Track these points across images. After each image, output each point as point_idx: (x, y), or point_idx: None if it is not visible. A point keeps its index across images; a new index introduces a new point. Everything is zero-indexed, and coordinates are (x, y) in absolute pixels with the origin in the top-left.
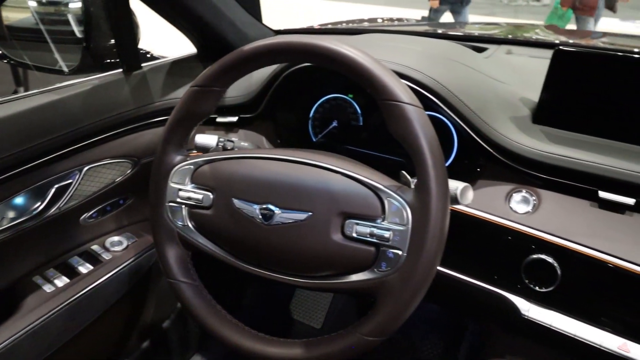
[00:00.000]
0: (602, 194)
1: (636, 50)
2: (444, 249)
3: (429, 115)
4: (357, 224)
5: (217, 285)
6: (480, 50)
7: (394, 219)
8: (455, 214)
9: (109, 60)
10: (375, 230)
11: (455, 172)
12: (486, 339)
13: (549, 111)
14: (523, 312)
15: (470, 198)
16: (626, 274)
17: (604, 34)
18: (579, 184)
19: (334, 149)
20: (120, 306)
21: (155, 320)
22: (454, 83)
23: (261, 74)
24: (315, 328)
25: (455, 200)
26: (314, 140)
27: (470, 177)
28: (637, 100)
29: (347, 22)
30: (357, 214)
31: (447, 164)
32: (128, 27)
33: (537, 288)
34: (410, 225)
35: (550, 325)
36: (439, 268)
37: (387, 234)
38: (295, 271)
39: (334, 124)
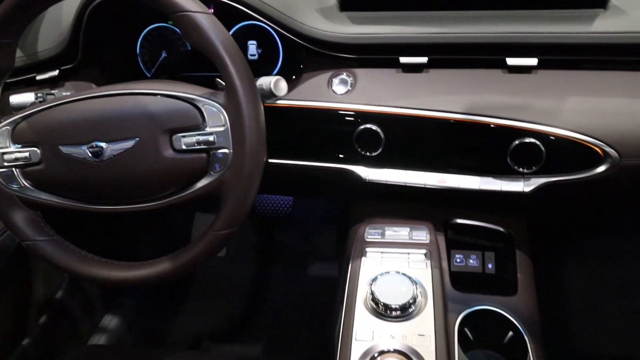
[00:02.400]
0: (403, 59)
1: None
2: (285, 143)
3: (249, 25)
4: (184, 136)
5: (107, 238)
6: None
7: (214, 122)
8: (285, 109)
9: None
10: (201, 138)
11: (286, 74)
12: (352, 211)
13: None
14: (364, 177)
15: (284, 89)
16: (430, 121)
17: None
18: (384, 55)
19: (171, 79)
20: None
21: (48, 294)
22: None
23: (71, 17)
24: (219, 257)
25: (271, 94)
26: (149, 76)
27: (297, 74)
28: None
29: None
30: (181, 127)
31: (277, 67)
32: None
33: (368, 154)
34: (228, 124)
35: (387, 182)
36: (284, 161)
37: (211, 138)
38: (144, 197)
39: (164, 54)
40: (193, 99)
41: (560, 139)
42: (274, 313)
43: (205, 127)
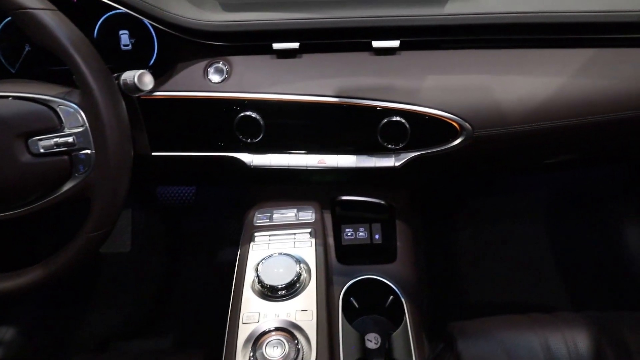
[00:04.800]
0: (275, 45)
1: None
2: (167, 135)
3: (118, 14)
4: (40, 139)
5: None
6: None
7: (72, 123)
8: (162, 100)
9: None
10: (59, 140)
11: (163, 63)
12: (243, 197)
13: None
14: (249, 163)
15: (149, 83)
16: (305, 105)
17: None
18: (257, 42)
19: (40, 75)
20: None
21: None
22: None
23: None
24: (125, 252)
25: (136, 89)
26: (13, 71)
27: (173, 63)
28: None
29: None
30: (36, 130)
31: (153, 57)
32: None
33: (250, 140)
34: (87, 125)
35: (270, 166)
36: (169, 153)
37: (70, 139)
38: (5, 205)
39: (27, 48)
40: (47, 100)
41: (421, 116)
42: (183, 303)
43: (63, 128)
